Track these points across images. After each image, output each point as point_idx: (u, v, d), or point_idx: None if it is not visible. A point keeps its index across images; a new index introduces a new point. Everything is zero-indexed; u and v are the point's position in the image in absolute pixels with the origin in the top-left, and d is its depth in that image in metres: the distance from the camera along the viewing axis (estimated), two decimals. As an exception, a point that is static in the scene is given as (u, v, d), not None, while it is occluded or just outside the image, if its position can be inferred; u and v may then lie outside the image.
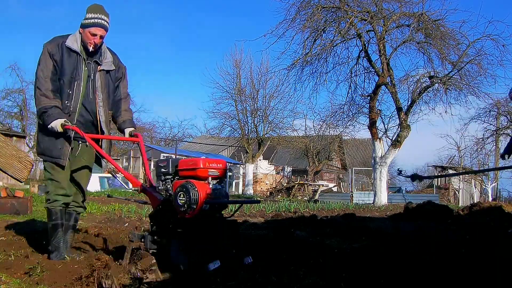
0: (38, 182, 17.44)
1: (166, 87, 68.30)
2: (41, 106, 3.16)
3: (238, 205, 3.24)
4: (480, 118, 19.18)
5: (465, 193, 25.90)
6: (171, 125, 46.43)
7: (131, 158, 24.25)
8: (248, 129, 23.94)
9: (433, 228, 5.37)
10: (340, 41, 13.64)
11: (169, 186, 2.88)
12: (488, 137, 20.60)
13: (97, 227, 4.70)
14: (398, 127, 13.84)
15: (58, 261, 3.04)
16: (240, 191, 24.33)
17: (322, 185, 23.34)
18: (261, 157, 25.77)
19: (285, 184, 24.91)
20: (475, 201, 18.77)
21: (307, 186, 22.58)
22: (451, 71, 13.05)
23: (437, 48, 12.98)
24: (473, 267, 2.70)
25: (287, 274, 2.45)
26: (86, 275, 2.50)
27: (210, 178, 2.71)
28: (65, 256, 3.14)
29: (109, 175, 16.20)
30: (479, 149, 21.71)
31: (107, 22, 3.28)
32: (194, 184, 2.62)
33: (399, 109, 13.65)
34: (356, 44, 13.91)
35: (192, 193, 2.58)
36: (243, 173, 25.32)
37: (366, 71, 14.37)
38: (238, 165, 26.50)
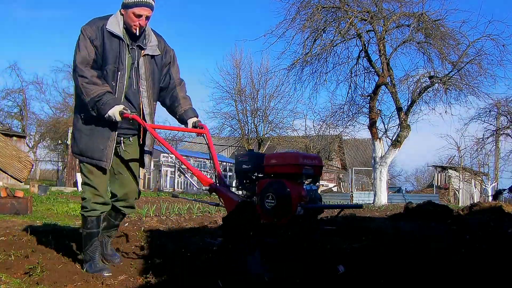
0: (38, 182, 17.44)
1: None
2: (94, 95, 2.70)
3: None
4: (480, 118, 19.15)
5: (465, 193, 25.90)
6: (171, 125, 46.27)
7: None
8: (248, 129, 23.94)
9: (433, 228, 5.36)
10: (340, 41, 13.66)
11: (251, 186, 2.48)
12: (488, 137, 20.55)
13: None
14: (398, 127, 13.86)
15: (58, 261, 3.01)
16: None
17: (322, 185, 23.33)
18: (261, 157, 25.69)
19: (285, 184, 24.87)
20: (475, 201, 18.78)
21: (307, 186, 22.56)
22: (451, 71, 13.08)
23: (437, 48, 12.99)
24: (473, 267, 2.70)
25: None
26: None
27: (304, 176, 2.32)
28: (102, 268, 2.81)
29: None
30: (479, 149, 21.64)
31: (153, 0, 2.81)
32: (285, 184, 2.23)
33: (399, 109, 13.66)
34: (356, 44, 13.95)
35: (284, 195, 2.19)
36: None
37: (366, 71, 14.40)
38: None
